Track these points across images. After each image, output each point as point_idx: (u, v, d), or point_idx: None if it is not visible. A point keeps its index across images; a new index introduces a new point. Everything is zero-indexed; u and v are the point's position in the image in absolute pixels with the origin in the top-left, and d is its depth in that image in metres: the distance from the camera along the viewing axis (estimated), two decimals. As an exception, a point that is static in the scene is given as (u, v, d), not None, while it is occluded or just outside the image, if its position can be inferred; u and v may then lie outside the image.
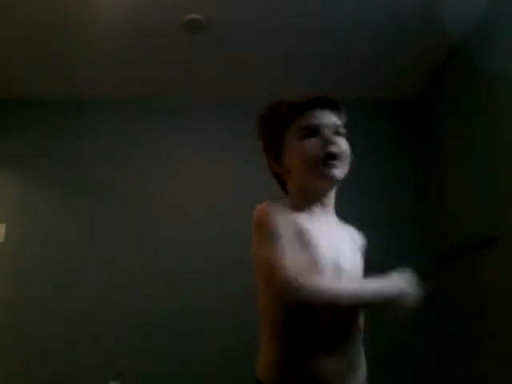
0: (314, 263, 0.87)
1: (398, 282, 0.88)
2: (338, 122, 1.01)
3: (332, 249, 0.93)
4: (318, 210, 0.99)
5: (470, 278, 2.28)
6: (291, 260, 0.82)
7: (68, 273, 2.60)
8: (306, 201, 0.98)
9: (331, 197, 1.02)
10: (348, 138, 1.03)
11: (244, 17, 2.23)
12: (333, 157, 0.95)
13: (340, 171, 0.97)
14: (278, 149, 1.02)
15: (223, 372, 2.43)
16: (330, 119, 0.99)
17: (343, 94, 2.86)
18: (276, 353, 0.89)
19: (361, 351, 0.94)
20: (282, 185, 1.07)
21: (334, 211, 1.04)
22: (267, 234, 0.86)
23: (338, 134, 0.99)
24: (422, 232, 2.71)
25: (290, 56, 2.54)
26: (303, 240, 0.88)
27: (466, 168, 2.35)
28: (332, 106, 1.02)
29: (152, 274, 2.60)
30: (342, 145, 0.99)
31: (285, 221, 0.88)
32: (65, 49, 2.45)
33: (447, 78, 2.57)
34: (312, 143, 0.96)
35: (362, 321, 0.95)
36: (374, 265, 2.91)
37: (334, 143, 0.96)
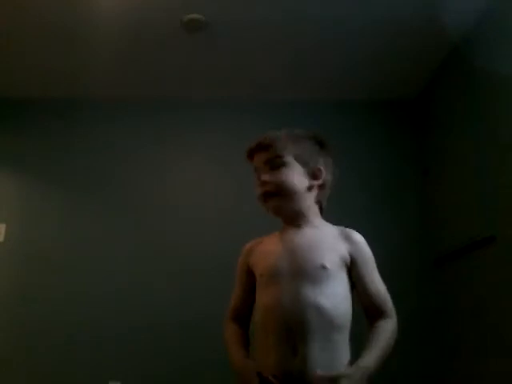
0: (259, 284, 1.10)
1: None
2: (269, 157, 1.11)
3: (290, 256, 1.06)
4: (289, 225, 1.14)
5: (469, 278, 2.28)
6: (233, 303, 1.19)
7: (68, 273, 2.60)
8: (283, 221, 1.16)
9: (296, 212, 1.12)
10: (283, 165, 1.11)
11: (244, 17, 2.23)
12: (266, 195, 1.10)
13: (277, 202, 1.10)
14: None
15: (224, 372, 2.42)
16: (261, 160, 1.13)
17: (343, 95, 2.90)
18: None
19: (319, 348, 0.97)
20: None
21: (315, 221, 1.14)
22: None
23: (274, 167, 1.10)
24: (422, 232, 2.71)
25: (289, 56, 2.54)
26: (254, 271, 1.13)
27: (466, 168, 2.35)
28: (262, 146, 1.14)
29: (152, 273, 2.60)
30: (276, 178, 1.09)
31: (240, 261, 1.18)
32: (65, 49, 2.45)
33: (447, 77, 2.57)
34: (256, 185, 1.14)
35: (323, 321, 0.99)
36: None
37: (264, 183, 1.10)
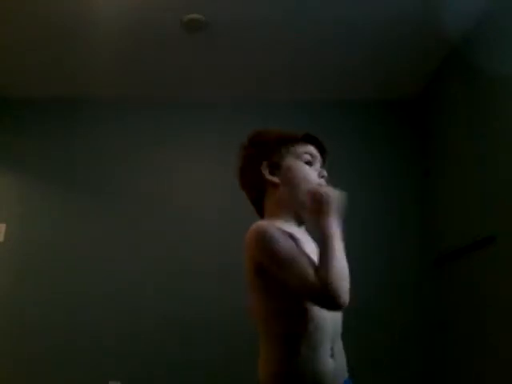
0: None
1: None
2: (322, 164, 1.12)
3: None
4: (296, 224, 1.06)
5: (469, 278, 2.28)
6: (311, 274, 0.88)
7: (68, 273, 2.60)
8: (289, 214, 1.06)
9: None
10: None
11: (244, 16, 2.23)
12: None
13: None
14: (277, 162, 1.09)
15: (224, 372, 2.43)
16: (320, 160, 1.12)
17: (343, 95, 2.90)
18: (278, 365, 0.94)
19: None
20: (257, 199, 1.13)
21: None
22: (281, 260, 0.91)
23: (321, 176, 1.10)
24: (422, 232, 2.71)
25: (289, 56, 2.54)
26: (300, 249, 0.94)
27: (466, 168, 2.35)
28: (324, 151, 1.13)
29: (152, 273, 2.60)
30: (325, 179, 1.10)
31: (286, 239, 0.94)
32: (65, 49, 2.45)
33: (447, 77, 2.57)
34: (312, 170, 1.08)
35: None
36: (373, 265, 2.92)
37: (323, 176, 1.09)
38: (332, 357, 0.95)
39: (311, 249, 1.01)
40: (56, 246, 2.65)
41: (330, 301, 0.85)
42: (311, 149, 1.10)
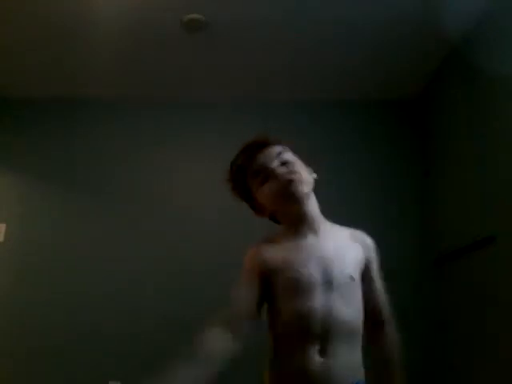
0: (296, 284, 0.99)
1: None
2: (278, 151, 1.08)
3: (321, 264, 1.02)
4: (305, 230, 1.07)
5: (469, 278, 2.28)
6: (237, 300, 1.03)
7: (68, 273, 2.60)
8: (292, 225, 1.08)
9: (312, 216, 1.08)
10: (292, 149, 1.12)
11: (244, 16, 2.23)
12: (289, 183, 1.04)
13: (300, 186, 1.04)
14: (249, 196, 1.13)
15: (223, 372, 2.42)
16: (271, 156, 1.07)
17: (343, 95, 2.90)
18: (269, 365, 1.03)
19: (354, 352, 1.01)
20: (274, 219, 1.15)
21: (326, 224, 1.12)
22: (241, 274, 1.05)
23: (283, 162, 1.06)
24: (422, 232, 2.71)
25: (289, 56, 2.54)
26: (273, 270, 1.02)
27: (466, 168, 2.35)
28: (265, 143, 1.09)
29: (152, 273, 2.60)
30: (289, 160, 1.06)
31: (257, 268, 1.03)
32: (65, 48, 2.45)
33: (447, 78, 2.57)
34: (272, 187, 1.05)
35: (356, 322, 1.02)
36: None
37: (289, 173, 1.04)
38: (323, 356, 0.95)
39: (318, 250, 1.04)
40: (56, 245, 2.65)
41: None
42: (257, 163, 1.07)
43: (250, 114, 2.91)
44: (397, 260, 2.64)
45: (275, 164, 1.05)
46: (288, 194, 1.03)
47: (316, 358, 0.95)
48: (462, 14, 2.18)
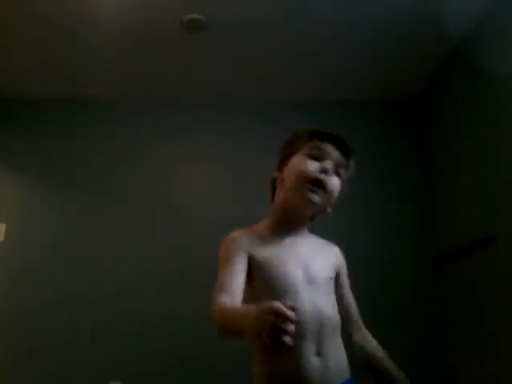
0: (283, 281, 0.98)
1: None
2: (342, 163, 1.07)
3: (301, 263, 1.02)
4: (291, 230, 1.07)
5: (469, 278, 2.28)
6: (225, 282, 1.00)
7: (68, 273, 2.59)
8: (283, 221, 1.07)
9: (305, 224, 1.10)
10: (345, 182, 1.11)
11: (244, 16, 2.23)
12: (319, 184, 1.01)
13: (319, 200, 1.02)
14: (286, 158, 1.08)
15: (223, 372, 2.42)
16: (337, 156, 1.06)
17: (343, 94, 2.90)
18: (260, 365, 0.98)
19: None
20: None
21: (306, 231, 1.13)
22: (220, 260, 1.07)
23: (337, 173, 1.06)
24: (422, 232, 2.71)
25: (289, 56, 2.54)
26: (256, 265, 1.00)
27: (466, 168, 2.35)
28: (346, 151, 1.08)
29: (152, 273, 2.60)
30: (333, 183, 1.04)
31: (237, 246, 1.03)
32: (65, 48, 2.45)
33: (447, 77, 2.57)
34: (311, 164, 1.02)
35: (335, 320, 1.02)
36: (373, 265, 2.92)
37: (327, 174, 1.02)
38: (318, 355, 0.95)
39: (300, 249, 1.04)
40: (56, 246, 2.65)
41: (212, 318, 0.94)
42: (322, 144, 1.04)
43: (250, 113, 2.91)
44: (397, 260, 2.65)
45: (332, 168, 1.04)
46: (310, 199, 1.01)
47: (312, 358, 0.94)
48: (462, 13, 2.18)
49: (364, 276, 2.56)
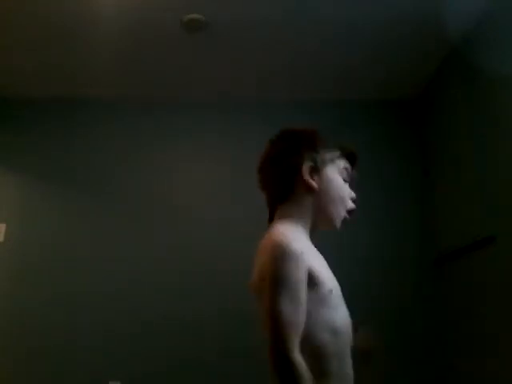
0: (325, 300, 0.91)
1: None
2: (355, 176, 1.13)
3: (331, 276, 0.99)
4: (307, 236, 1.04)
5: (469, 278, 2.28)
6: (294, 320, 0.84)
7: (68, 273, 2.60)
8: (307, 224, 1.03)
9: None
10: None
11: (244, 17, 2.23)
12: (352, 212, 1.07)
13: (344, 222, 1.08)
14: (318, 167, 1.04)
15: (223, 372, 2.43)
16: (352, 177, 1.11)
17: (343, 94, 2.90)
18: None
19: None
20: (277, 197, 1.05)
21: None
22: (281, 283, 0.86)
23: (352, 186, 1.11)
24: (422, 232, 2.71)
25: (289, 56, 2.54)
26: (313, 281, 0.90)
27: (466, 168, 2.35)
28: (355, 164, 1.12)
29: (152, 273, 2.60)
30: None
31: (299, 267, 0.88)
32: (65, 48, 2.45)
33: (447, 77, 2.57)
34: (347, 188, 1.08)
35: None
36: (373, 264, 2.92)
37: (354, 199, 1.08)
38: (350, 371, 0.93)
39: (319, 262, 0.97)
40: (56, 245, 2.65)
41: (278, 366, 0.81)
42: (348, 166, 1.09)
43: (250, 113, 2.91)
44: (397, 260, 2.65)
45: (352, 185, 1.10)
46: (341, 223, 1.07)
47: (351, 374, 0.92)
48: (462, 14, 2.18)
49: (364, 276, 2.57)
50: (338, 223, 1.05)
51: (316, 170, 1.02)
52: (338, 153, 1.07)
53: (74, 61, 2.55)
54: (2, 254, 2.61)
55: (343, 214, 1.06)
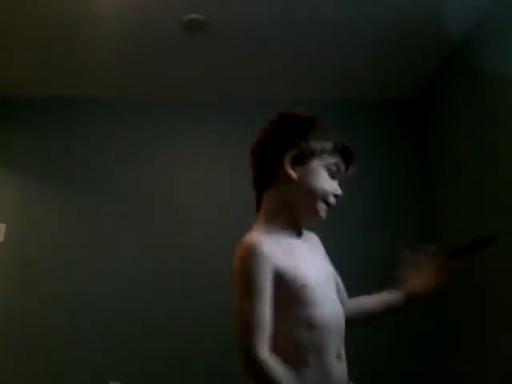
0: (297, 297, 0.91)
1: None
2: (344, 179, 1.09)
3: (314, 264, 0.99)
4: (292, 230, 1.02)
5: (470, 278, 2.28)
6: (259, 319, 0.87)
7: (68, 273, 2.60)
8: (289, 218, 1.01)
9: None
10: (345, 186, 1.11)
11: (244, 16, 2.23)
12: (332, 203, 1.02)
13: (326, 217, 1.02)
14: (303, 157, 1.01)
15: (223, 372, 2.42)
16: (343, 173, 1.07)
17: (343, 94, 2.90)
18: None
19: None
20: (262, 185, 1.05)
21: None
22: (248, 284, 0.90)
23: (340, 184, 1.07)
24: (422, 232, 2.71)
25: (289, 56, 2.54)
26: (282, 280, 0.91)
27: (466, 168, 2.35)
28: (350, 162, 1.09)
29: (152, 273, 2.60)
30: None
31: (264, 265, 0.90)
32: (65, 48, 2.45)
33: (447, 77, 2.57)
34: (331, 184, 1.02)
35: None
36: (373, 264, 2.92)
37: (338, 194, 1.03)
38: (340, 361, 0.93)
39: (295, 259, 0.95)
40: (56, 245, 2.65)
41: (247, 365, 0.87)
42: (340, 162, 1.04)
43: (250, 113, 2.90)
44: (396, 260, 2.64)
45: (342, 181, 1.06)
46: (322, 216, 1.01)
47: (337, 365, 0.92)
48: (461, 14, 2.18)
49: (364, 276, 2.56)
50: (318, 218, 1.01)
51: (300, 160, 1.00)
52: (330, 146, 1.03)
53: (74, 61, 2.55)
54: (2, 253, 2.61)
55: (323, 209, 1.00)
